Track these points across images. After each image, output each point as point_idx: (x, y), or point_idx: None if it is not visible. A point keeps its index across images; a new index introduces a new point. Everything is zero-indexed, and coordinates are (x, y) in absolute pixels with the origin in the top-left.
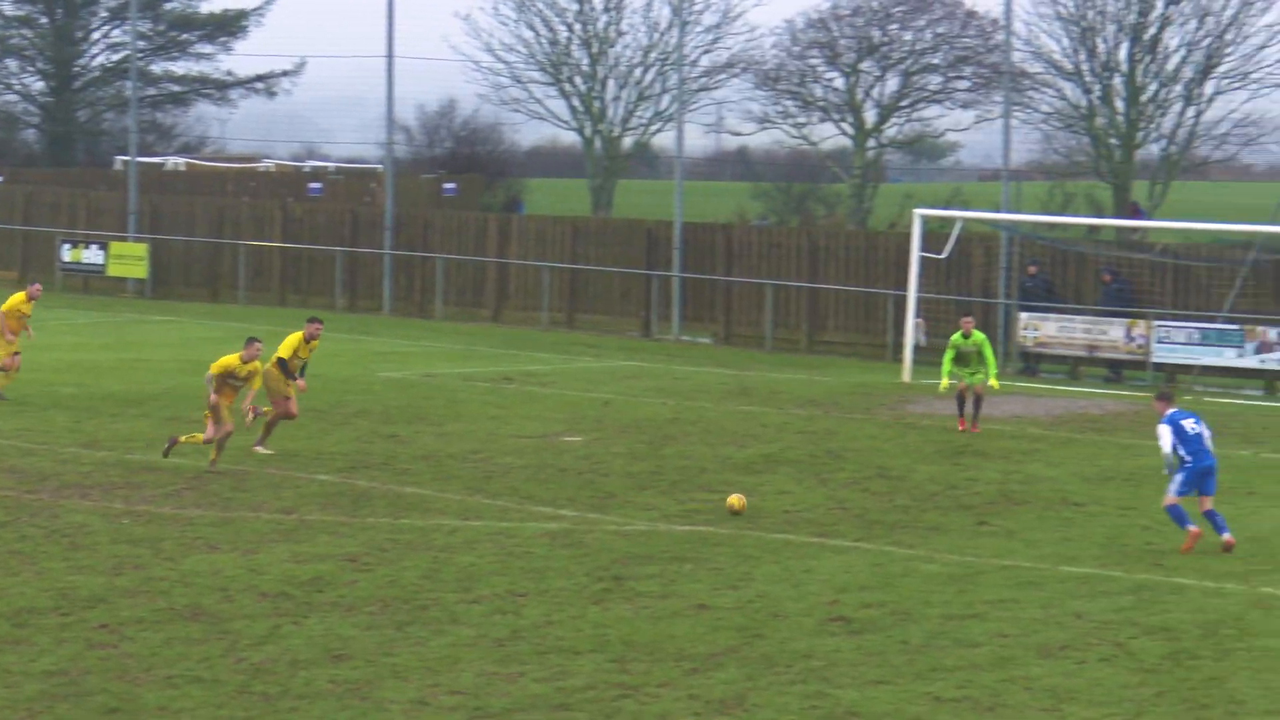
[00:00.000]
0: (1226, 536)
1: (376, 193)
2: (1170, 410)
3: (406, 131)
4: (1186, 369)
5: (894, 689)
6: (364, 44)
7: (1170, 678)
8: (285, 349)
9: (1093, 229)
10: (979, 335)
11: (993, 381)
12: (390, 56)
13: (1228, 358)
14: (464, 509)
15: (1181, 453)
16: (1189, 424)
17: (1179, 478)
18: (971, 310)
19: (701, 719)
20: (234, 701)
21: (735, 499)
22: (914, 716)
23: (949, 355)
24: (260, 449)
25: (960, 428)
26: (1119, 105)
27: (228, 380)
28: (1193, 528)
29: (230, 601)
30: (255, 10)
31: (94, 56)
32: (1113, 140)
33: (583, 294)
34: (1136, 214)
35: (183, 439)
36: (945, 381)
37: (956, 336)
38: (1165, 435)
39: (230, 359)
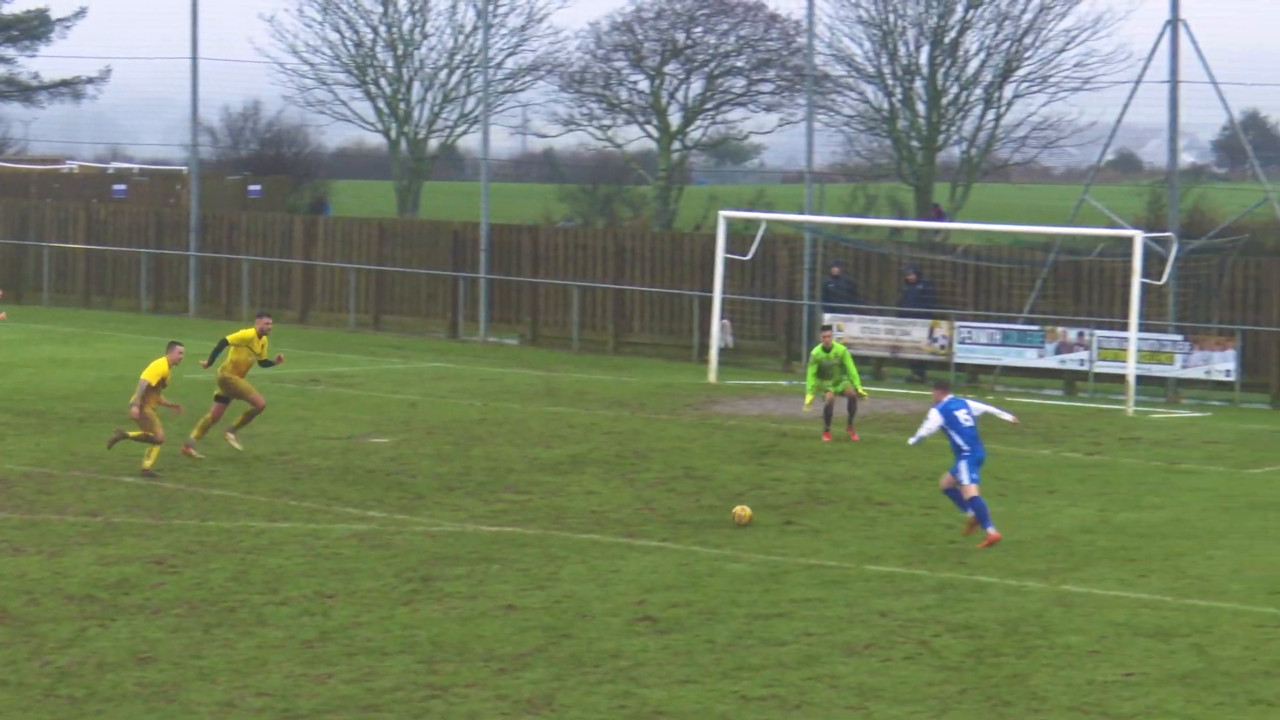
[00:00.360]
0: (991, 531)
1: (181, 194)
2: (946, 398)
3: (211, 133)
4: (988, 369)
5: (701, 688)
6: (169, 46)
7: (974, 675)
8: (236, 338)
9: (895, 230)
10: (839, 347)
11: (861, 391)
12: (195, 58)
13: (1029, 358)
14: (271, 511)
15: (960, 441)
16: (962, 415)
17: (963, 465)
18: (832, 325)
19: (510, 719)
20: (40, 705)
21: (741, 510)
22: (721, 715)
23: (811, 370)
24: (233, 440)
25: (826, 439)
26: (920, 108)
27: (158, 389)
28: (993, 531)
29: (36, 604)
30: (62, 20)
31: None
32: (914, 143)
33: (389, 295)
34: (939, 216)
35: (147, 464)
36: (809, 398)
37: (818, 350)
38: (933, 420)
39: (160, 365)
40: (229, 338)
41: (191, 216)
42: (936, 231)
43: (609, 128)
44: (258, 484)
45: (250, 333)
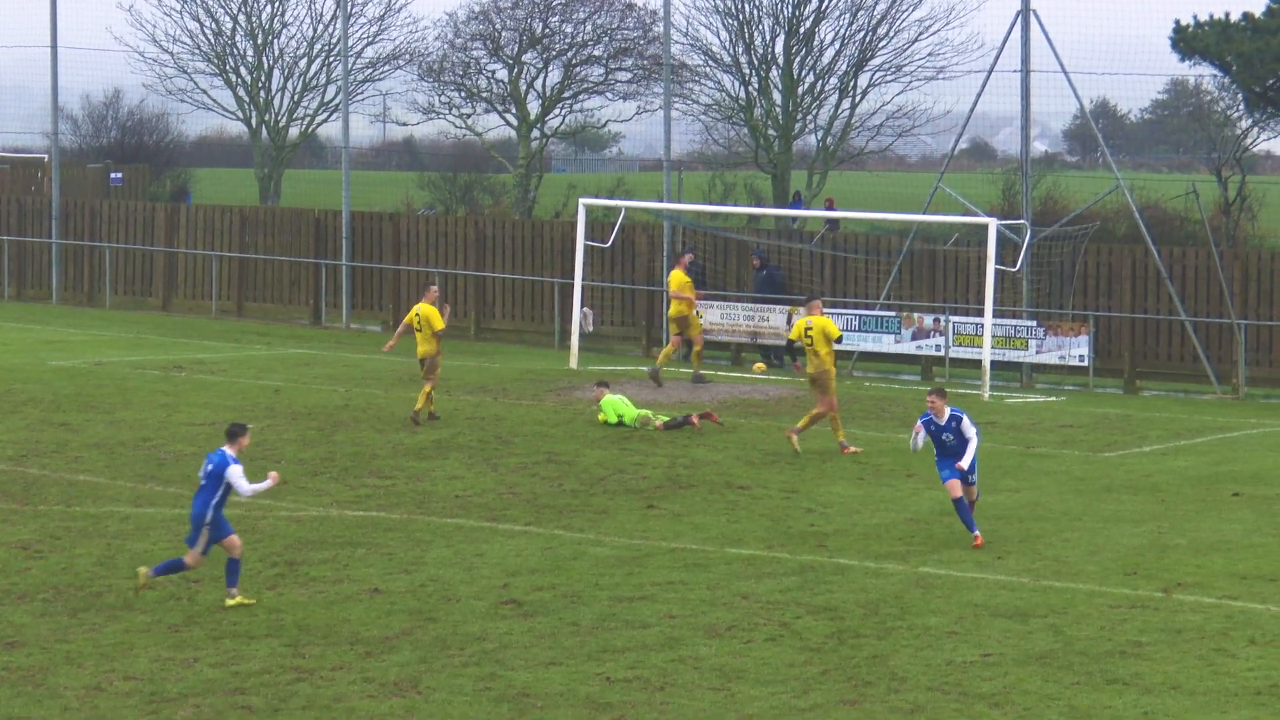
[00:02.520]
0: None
1: (43, 182)
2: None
3: (72, 121)
4: (846, 355)
5: (566, 670)
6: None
7: (835, 656)
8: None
9: (754, 218)
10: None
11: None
12: (54, 46)
13: (886, 344)
14: (137, 496)
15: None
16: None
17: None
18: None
19: (376, 701)
20: None
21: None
22: (586, 696)
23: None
24: None
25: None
26: (776, 97)
27: None
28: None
29: None
30: None
31: None
32: (771, 131)
33: (252, 282)
34: (796, 203)
35: None
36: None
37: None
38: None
39: None
40: (438, 323)
41: (53, 204)
42: (794, 219)
43: (468, 116)
44: (123, 470)
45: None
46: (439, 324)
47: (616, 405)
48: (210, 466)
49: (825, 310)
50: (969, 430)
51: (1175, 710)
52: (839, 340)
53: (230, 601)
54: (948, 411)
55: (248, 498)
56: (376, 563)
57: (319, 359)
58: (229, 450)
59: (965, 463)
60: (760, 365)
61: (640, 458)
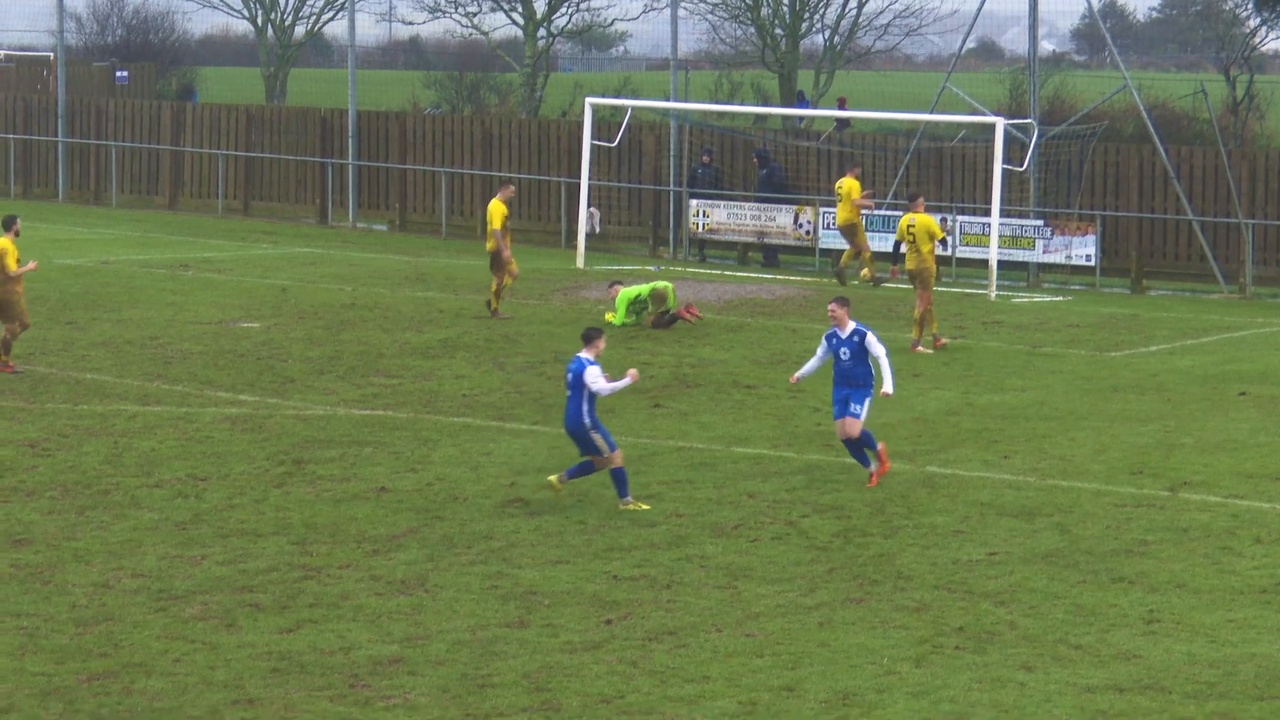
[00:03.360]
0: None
1: (48, 81)
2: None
3: (77, 19)
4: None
5: (573, 568)
6: None
7: (841, 554)
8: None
9: (760, 117)
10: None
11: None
12: None
13: (892, 244)
14: (144, 395)
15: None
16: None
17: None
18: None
19: (383, 599)
20: None
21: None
22: (593, 595)
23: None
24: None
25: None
26: None
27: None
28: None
29: None
30: None
31: None
32: (778, 30)
33: (258, 182)
34: (802, 103)
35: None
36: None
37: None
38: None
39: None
40: (495, 221)
41: (58, 103)
42: (800, 118)
43: (474, 15)
44: (130, 368)
45: (502, 206)
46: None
47: (627, 293)
48: (570, 376)
49: (831, 209)
50: (876, 349)
51: (1180, 609)
52: (941, 240)
53: (627, 507)
54: (851, 325)
55: (607, 395)
56: (383, 461)
57: (325, 258)
58: (585, 354)
59: (889, 387)
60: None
61: (647, 357)
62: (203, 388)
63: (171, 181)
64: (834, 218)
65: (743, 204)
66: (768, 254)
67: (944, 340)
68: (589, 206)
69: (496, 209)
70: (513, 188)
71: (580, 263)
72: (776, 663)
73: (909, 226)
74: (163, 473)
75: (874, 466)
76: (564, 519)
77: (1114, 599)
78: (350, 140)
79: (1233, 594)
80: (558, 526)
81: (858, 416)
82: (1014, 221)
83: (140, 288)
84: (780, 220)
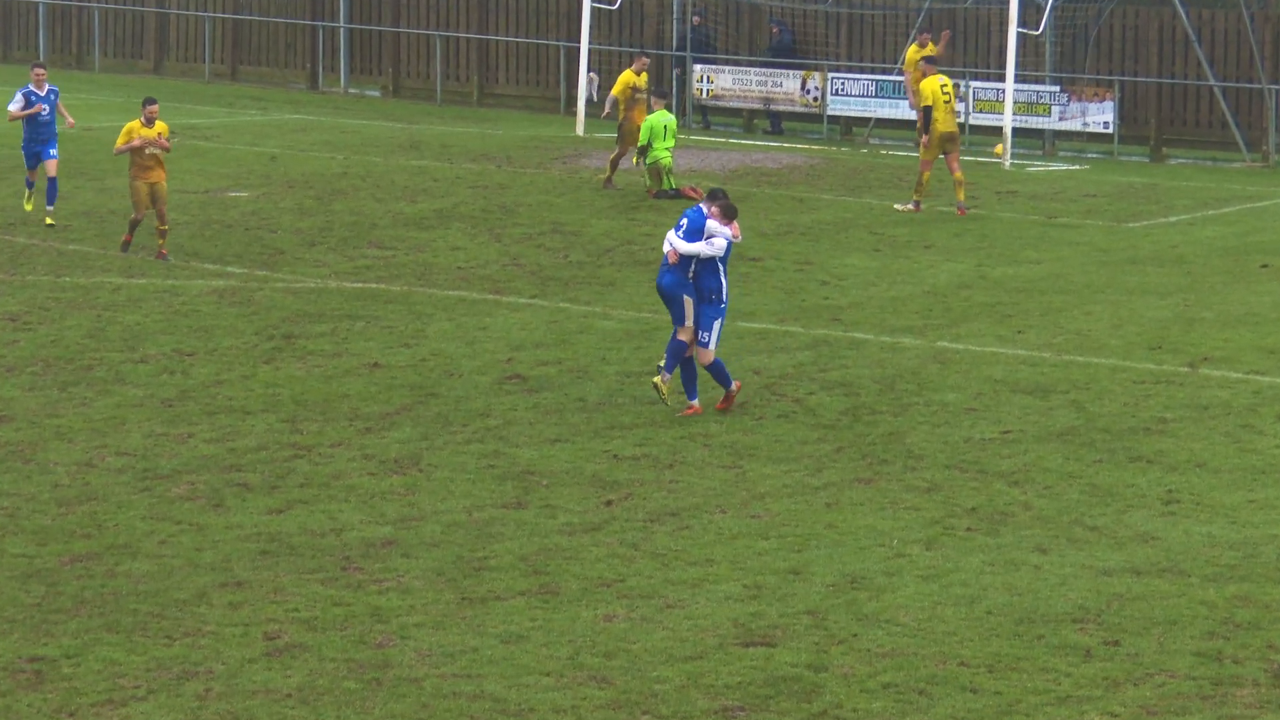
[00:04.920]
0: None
1: None
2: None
3: None
4: (862, 122)
5: (572, 447)
6: None
7: (850, 433)
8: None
9: None
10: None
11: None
12: None
13: (903, 110)
14: (128, 266)
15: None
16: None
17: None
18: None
19: (376, 479)
20: None
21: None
22: (593, 474)
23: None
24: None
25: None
26: None
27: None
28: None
29: None
30: None
31: None
32: None
33: (246, 45)
34: None
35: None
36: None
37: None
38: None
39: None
40: (616, 91)
41: None
42: None
43: None
44: (113, 239)
45: (630, 75)
46: (614, 89)
47: (657, 130)
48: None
49: (840, 75)
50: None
51: (1200, 488)
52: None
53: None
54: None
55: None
56: (376, 336)
57: (316, 125)
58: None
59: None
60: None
61: (649, 228)
62: (189, 259)
63: (156, 45)
64: (845, 85)
65: (748, 69)
66: (774, 121)
67: (923, 207)
68: (589, 71)
69: (624, 78)
70: (647, 59)
71: (580, 130)
72: (782, 545)
73: (943, 87)
74: (148, 347)
75: (732, 387)
76: (563, 396)
77: (1131, 479)
78: (342, 2)
79: (1254, 473)
80: (556, 404)
81: (705, 345)
82: (1029, 87)
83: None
84: (787, 86)
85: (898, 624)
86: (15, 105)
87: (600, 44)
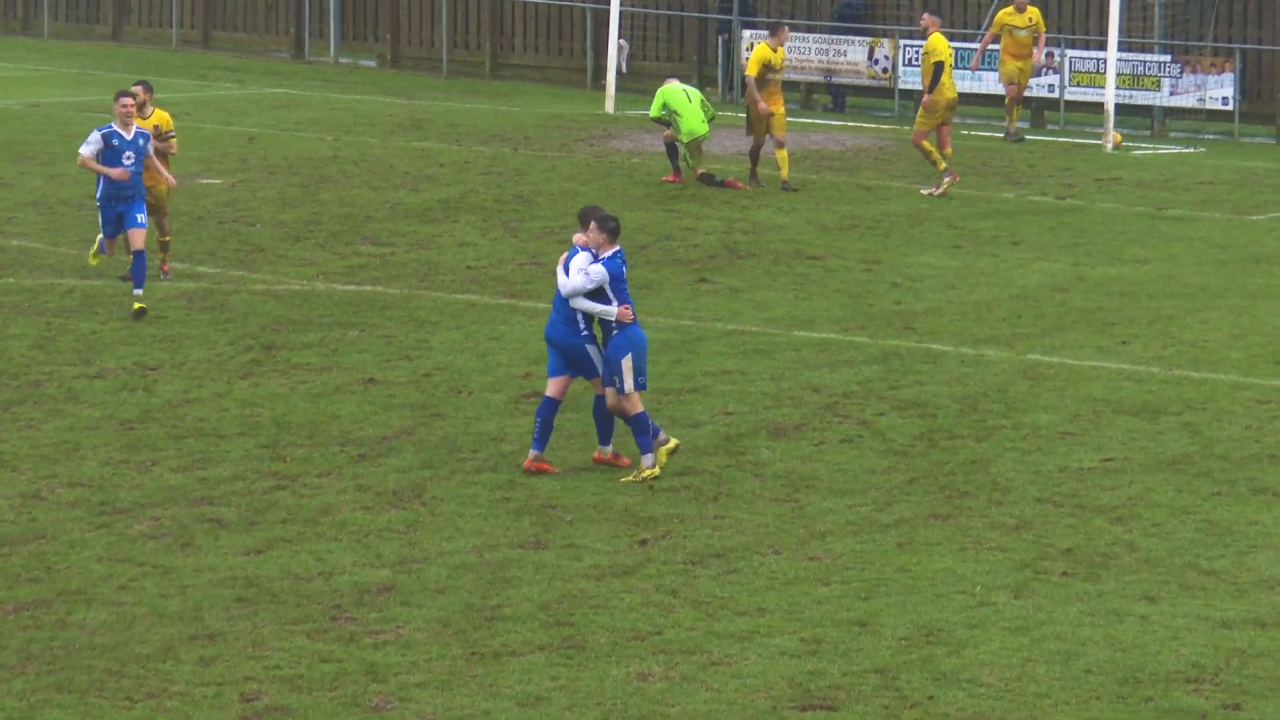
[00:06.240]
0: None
1: None
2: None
3: None
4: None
5: (600, 476)
6: None
7: (925, 461)
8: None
9: None
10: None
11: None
12: None
13: (987, 84)
14: (82, 266)
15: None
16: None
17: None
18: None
19: (371, 513)
20: None
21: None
22: (625, 509)
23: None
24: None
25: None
26: None
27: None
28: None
29: None
30: None
31: None
32: None
33: (220, 8)
34: None
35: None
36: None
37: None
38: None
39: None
40: (750, 70)
41: None
42: None
43: None
44: (66, 233)
45: (765, 50)
46: (748, 68)
47: (678, 98)
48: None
49: (914, 43)
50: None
51: None
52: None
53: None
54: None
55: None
56: (371, 347)
57: (301, 100)
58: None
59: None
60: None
61: (691, 221)
62: (153, 257)
63: (115, 7)
64: (919, 54)
65: (806, 35)
66: (836, 96)
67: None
68: (619, 38)
69: (759, 53)
70: (787, 29)
71: (610, 106)
72: (846, 592)
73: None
74: (105, 360)
75: (648, 457)
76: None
77: (1254, 514)
78: None
79: None
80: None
81: (622, 390)
82: (1135, 57)
83: (77, 136)
84: (852, 55)
85: (981, 684)
86: (89, 150)
87: (633, 6)
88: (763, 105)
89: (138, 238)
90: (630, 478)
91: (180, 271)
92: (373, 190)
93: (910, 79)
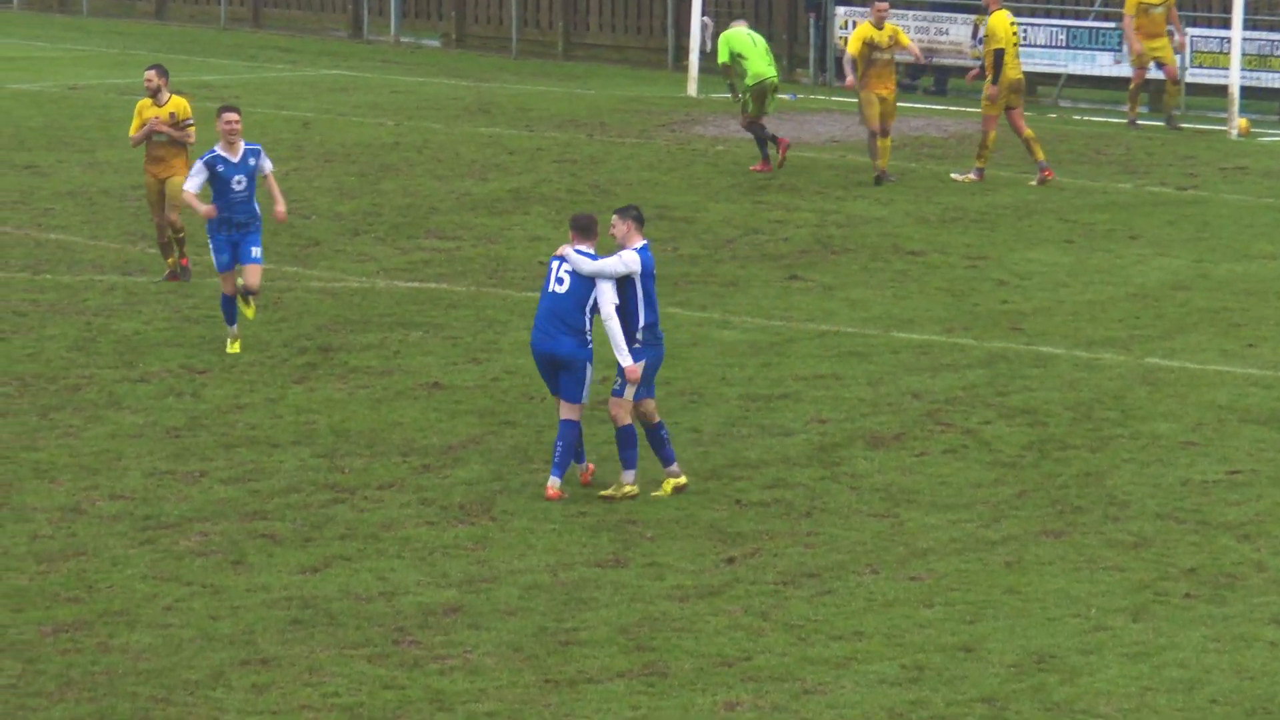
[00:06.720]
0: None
1: None
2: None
3: None
4: (1050, 79)
5: (692, 496)
6: None
7: (1035, 473)
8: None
9: None
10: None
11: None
12: None
13: (1102, 65)
14: (124, 261)
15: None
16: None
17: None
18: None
19: (436, 529)
20: None
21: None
22: (710, 524)
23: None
24: None
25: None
26: None
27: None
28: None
29: None
30: None
31: None
32: None
33: None
34: None
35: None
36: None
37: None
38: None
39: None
40: (852, 49)
41: None
42: None
43: None
44: (105, 226)
45: (867, 28)
46: (849, 47)
47: (743, 42)
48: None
49: (1022, 20)
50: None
51: None
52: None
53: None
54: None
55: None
56: (436, 349)
57: (360, 83)
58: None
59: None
60: (1245, 123)
61: (781, 213)
62: (201, 251)
63: None
64: (1028, 33)
65: (905, 12)
66: (938, 78)
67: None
68: (702, 15)
69: (860, 32)
70: (886, 5)
71: (693, 89)
72: (950, 615)
73: (1013, 26)
74: (149, 363)
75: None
76: (672, 425)
77: None
78: None
79: None
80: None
81: (618, 391)
82: (1262, 35)
83: (119, 121)
84: (954, 34)
85: (1096, 715)
86: (193, 184)
87: None
88: (850, 80)
89: (253, 274)
90: (609, 492)
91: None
92: (437, 180)
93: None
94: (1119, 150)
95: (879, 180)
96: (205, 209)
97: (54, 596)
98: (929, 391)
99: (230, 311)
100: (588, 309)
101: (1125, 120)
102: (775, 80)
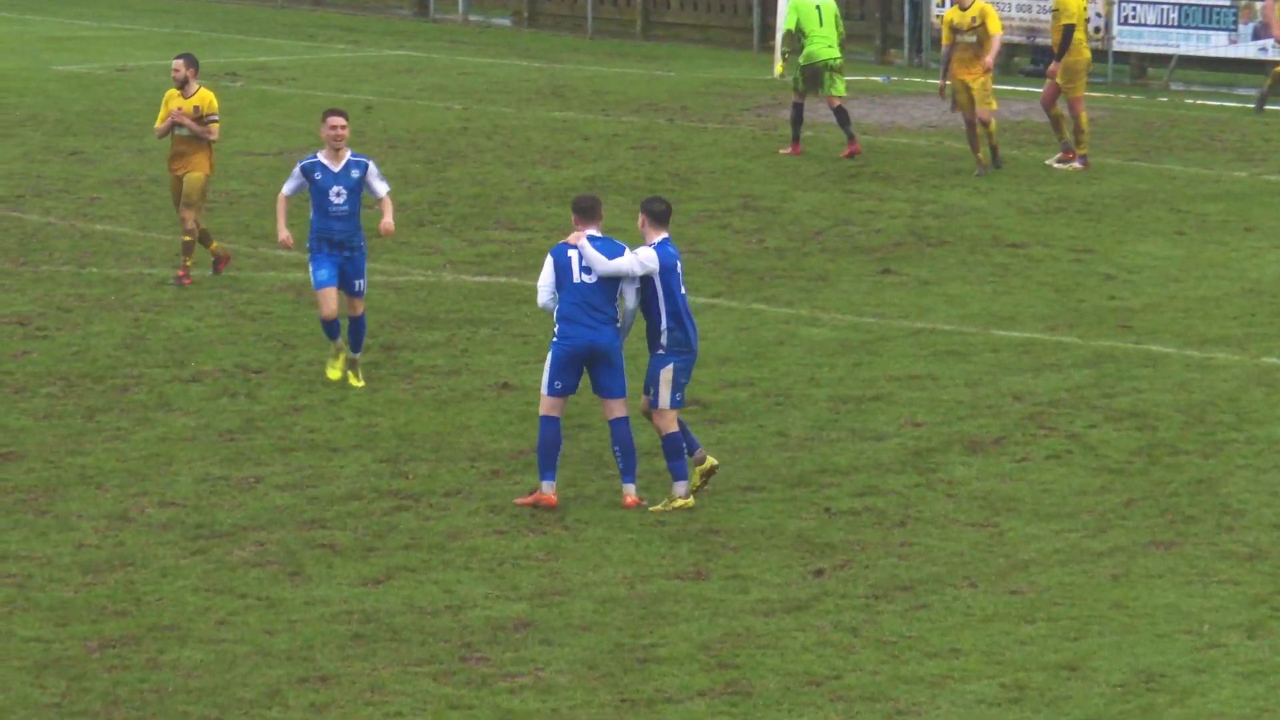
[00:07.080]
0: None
1: None
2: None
3: None
4: (1160, 61)
5: (768, 497)
6: None
7: (1144, 480)
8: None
9: None
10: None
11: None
12: None
13: (1215, 45)
14: (175, 254)
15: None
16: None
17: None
18: None
19: (506, 539)
20: None
21: None
22: (797, 534)
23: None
24: None
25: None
26: None
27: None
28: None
29: None
30: None
31: None
32: None
33: None
34: None
35: None
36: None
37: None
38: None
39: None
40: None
41: None
42: None
43: None
44: (155, 216)
45: (954, 13)
46: (992, 26)
47: (809, 14)
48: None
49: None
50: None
51: None
52: None
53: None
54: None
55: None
56: (506, 348)
57: (426, 64)
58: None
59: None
60: None
61: (872, 203)
62: (255, 243)
63: None
64: (1137, 11)
65: None
66: (1039, 58)
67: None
68: None
69: (949, 16)
70: None
71: (778, 70)
72: (1053, 631)
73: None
74: (202, 362)
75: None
76: (757, 429)
77: None
78: None
79: None
80: (748, 439)
81: (654, 403)
82: None
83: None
84: None
85: None
86: (288, 187)
87: None
88: (942, 84)
89: (357, 308)
90: (660, 506)
91: (285, 260)
92: (507, 167)
93: (1126, 39)
94: (1234, 136)
95: (981, 170)
96: (283, 236)
97: (100, 610)
98: (1031, 393)
99: (331, 328)
100: (615, 296)
101: (1253, 105)
102: (832, 61)
